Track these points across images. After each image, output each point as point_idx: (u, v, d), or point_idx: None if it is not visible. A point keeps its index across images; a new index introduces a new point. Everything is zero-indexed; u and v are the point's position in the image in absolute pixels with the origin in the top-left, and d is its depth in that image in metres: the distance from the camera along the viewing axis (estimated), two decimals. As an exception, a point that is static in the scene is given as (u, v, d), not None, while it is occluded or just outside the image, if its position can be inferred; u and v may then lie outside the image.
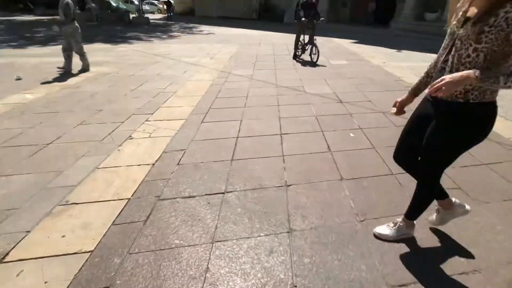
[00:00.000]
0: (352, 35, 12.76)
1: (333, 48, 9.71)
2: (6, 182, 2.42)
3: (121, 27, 16.06)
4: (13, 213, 2.07)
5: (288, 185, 2.39)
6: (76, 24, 6.00)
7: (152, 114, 3.86)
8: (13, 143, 3.09)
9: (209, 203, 2.18)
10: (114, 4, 25.94)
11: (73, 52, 6.16)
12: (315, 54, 7.12)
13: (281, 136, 3.26)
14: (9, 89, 4.91)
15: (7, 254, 1.75)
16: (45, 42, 10.48)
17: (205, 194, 2.27)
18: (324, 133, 3.33)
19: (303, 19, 7.01)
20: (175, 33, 13.95)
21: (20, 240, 1.85)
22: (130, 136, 3.22)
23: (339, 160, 2.78)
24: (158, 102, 4.30)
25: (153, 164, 2.68)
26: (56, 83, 5.31)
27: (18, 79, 5.53)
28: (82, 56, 6.15)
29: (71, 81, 5.50)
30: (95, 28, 15.89)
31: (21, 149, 2.95)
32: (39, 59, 7.40)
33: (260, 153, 2.88)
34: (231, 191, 2.31)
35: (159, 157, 2.79)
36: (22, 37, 11.84)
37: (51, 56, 7.77)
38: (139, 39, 11.75)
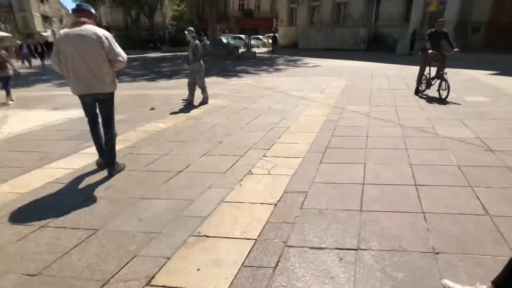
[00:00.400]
0: (489, 65, 11.18)
1: (465, 82, 8.64)
2: (149, 204, 2.83)
3: (231, 61, 18.06)
4: (156, 237, 2.37)
5: (437, 253, 2.07)
6: (202, 62, 6.99)
7: (268, 149, 4.04)
8: (151, 168, 3.65)
9: (341, 259, 2.05)
10: (224, 41, 29.68)
11: (196, 86, 7.16)
12: (445, 89, 6.43)
13: (416, 188, 2.93)
14: (147, 117, 5.95)
15: (153, 277, 1.98)
16: (170, 75, 12.57)
17: (336, 248, 2.16)
18: (475, 190, 2.85)
19: (430, 51, 6.51)
20: (281, 66, 14.86)
21: (163, 266, 2.07)
22: (250, 171, 3.42)
23: (503, 228, 2.30)
24: (273, 137, 4.50)
25: (275, 204, 2.74)
26: (182, 114, 6.20)
27: (152, 109, 6.69)
28: (204, 90, 7.07)
29: (194, 112, 6.33)
30: (209, 62, 18.27)
31: (158, 174, 3.45)
32: (167, 91, 8.85)
33: (394, 206, 2.63)
34: (366, 249, 2.13)
35: (280, 197, 2.84)
36: (153, 71, 14.50)
37: (175, 89, 9.21)
38: (247, 72, 12.94)
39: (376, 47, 21.49)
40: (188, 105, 6.97)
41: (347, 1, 25.49)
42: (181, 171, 3.53)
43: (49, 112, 6.74)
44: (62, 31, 3.52)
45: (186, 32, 6.91)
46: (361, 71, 11.83)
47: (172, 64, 17.91)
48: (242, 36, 37.22)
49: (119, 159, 3.75)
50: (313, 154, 3.82)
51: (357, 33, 23.32)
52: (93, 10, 3.34)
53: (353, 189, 2.94)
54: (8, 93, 8.01)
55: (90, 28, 3.14)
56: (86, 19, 3.19)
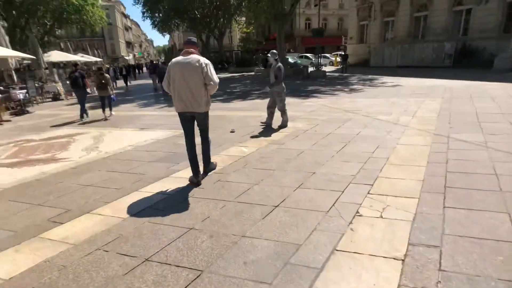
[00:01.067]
0: None
1: None
2: (251, 245, 2.63)
3: (301, 81, 17.94)
4: (267, 288, 2.13)
5: None
6: (283, 85, 6.89)
7: (371, 185, 3.62)
8: (245, 199, 3.49)
9: None
10: (291, 60, 29.93)
11: (275, 109, 7.06)
12: None
13: None
14: (228, 140, 5.97)
15: None
16: (243, 96, 12.85)
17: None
18: None
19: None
20: (357, 86, 14.22)
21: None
22: (357, 212, 3.04)
23: None
24: (373, 170, 4.06)
25: (402, 260, 2.31)
26: (263, 138, 6.09)
27: (232, 131, 6.73)
28: (284, 113, 6.93)
29: (275, 136, 6.18)
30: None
31: (253, 208, 3.27)
32: (243, 113, 8.94)
33: None
34: None
35: (406, 252, 2.40)
36: (225, 92, 15.02)
37: (251, 110, 9.27)
38: (321, 93, 12.61)
39: (466, 63, 19.44)
40: (268, 128, 6.87)
41: (428, 13, 23.89)
42: (277, 205, 3.30)
43: (137, 132, 7.24)
44: (174, 59, 3.85)
45: (269, 54, 6.92)
46: (454, 91, 10.63)
47: (241, 85, 18.45)
48: (309, 55, 37.31)
49: (208, 185, 3.85)
50: (430, 195, 3.29)
51: (441, 48, 21.49)
52: (197, 42, 4.01)
53: (505, 249, 2.36)
54: (110, 109, 9.61)
55: (195, 57, 3.73)
56: (193, 50, 3.81)
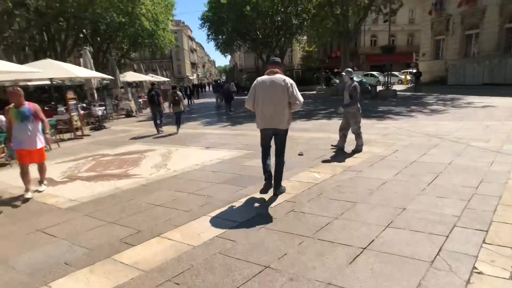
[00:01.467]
0: None
1: None
2: (341, 297, 2.24)
3: (369, 101, 17.05)
4: None
5: None
6: (359, 105, 6.43)
7: (486, 231, 2.97)
8: (325, 236, 3.11)
9: None
10: (356, 79, 28.92)
11: (348, 132, 6.60)
12: None
13: None
14: (298, 164, 5.65)
15: None
16: (306, 116, 12.51)
17: None
18: None
19: None
20: (437, 107, 12.98)
21: None
22: (475, 267, 2.46)
23: None
24: (483, 211, 3.38)
25: None
26: (336, 163, 5.66)
27: (301, 154, 6.40)
28: (359, 136, 6.43)
29: (349, 162, 5.71)
30: (341, 101, 17.77)
31: (337, 249, 2.87)
32: (309, 134, 8.58)
33: None
34: None
35: None
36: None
37: (317, 131, 8.88)
38: (395, 113, 11.72)
39: None
40: (340, 153, 6.42)
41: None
42: (365, 247, 2.86)
43: (203, 151, 7.32)
44: (259, 78, 4.12)
45: (343, 73, 6.57)
46: None
47: (304, 104, 18.14)
48: (375, 73, 35.81)
49: (280, 215, 3.61)
50: None
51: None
52: (280, 62, 4.28)
53: None
54: (178, 125, 10.34)
55: (280, 76, 3.98)
56: (277, 70, 4.06)
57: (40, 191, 4.92)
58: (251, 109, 4.19)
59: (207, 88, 52.92)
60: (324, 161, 5.84)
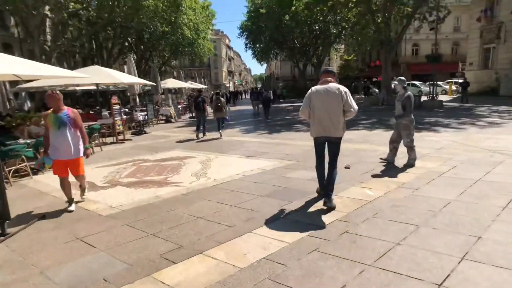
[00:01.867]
0: None
1: None
2: None
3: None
4: None
5: None
6: (412, 117, 5.88)
7: None
8: (388, 265, 2.67)
9: None
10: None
11: (399, 144, 6.05)
12: None
13: None
14: (346, 179, 5.18)
15: None
16: (348, 126, 11.88)
17: None
18: None
19: None
20: (492, 119, 11.86)
21: None
22: None
23: None
24: None
25: None
26: (388, 179, 5.15)
27: (347, 167, 5.93)
28: (411, 149, 5.86)
29: (402, 177, 5.17)
30: (381, 111, 16.95)
31: (405, 283, 2.43)
32: (353, 145, 8.05)
33: None
34: None
35: None
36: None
37: (361, 142, 8.32)
38: (444, 125, 10.83)
39: None
40: (390, 167, 5.88)
41: None
42: (440, 284, 2.39)
43: (242, 160, 7.06)
44: (313, 87, 4.16)
45: (395, 82, 6.06)
46: None
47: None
48: (417, 82, 34.10)
49: (334, 236, 3.26)
50: None
51: None
52: (334, 71, 4.35)
53: None
54: (219, 129, 10.67)
55: (333, 85, 4.01)
56: (331, 78, 4.10)
57: (70, 211, 4.34)
58: (306, 118, 4.21)
59: (243, 95, 53.35)
60: (375, 176, 5.35)
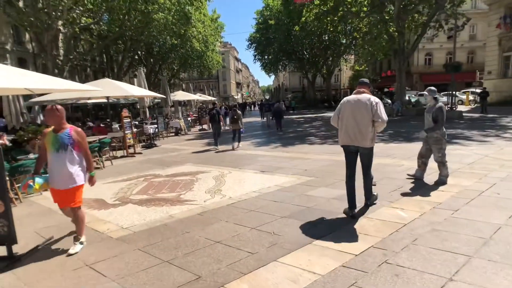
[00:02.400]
0: None
1: None
2: None
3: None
4: None
5: None
6: (444, 130, 5.52)
7: None
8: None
9: None
10: (413, 100, 27.08)
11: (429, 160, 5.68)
12: None
13: None
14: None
15: None
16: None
17: None
18: None
19: None
20: (518, 131, 11.34)
21: None
22: None
23: None
24: None
25: None
26: (420, 198, 4.76)
27: (373, 185, 5.57)
28: (443, 165, 5.47)
29: (436, 196, 4.78)
30: (397, 123, 16.53)
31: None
32: (376, 160, 7.64)
33: None
34: None
35: None
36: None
37: (384, 156, 7.93)
38: (468, 138, 10.36)
39: None
40: (420, 184, 5.50)
41: None
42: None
43: (258, 175, 6.75)
44: (345, 98, 4.22)
45: (425, 92, 5.72)
46: None
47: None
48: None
49: (371, 267, 2.91)
50: None
51: None
52: (369, 82, 4.36)
53: None
54: (238, 141, 10.94)
55: (365, 95, 4.06)
56: (364, 89, 4.17)
57: (71, 254, 3.49)
58: (335, 126, 4.32)
59: (252, 107, 53.34)
60: (405, 195, 4.97)
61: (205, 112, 20.15)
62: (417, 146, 8.82)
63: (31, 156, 6.70)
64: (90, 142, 9.50)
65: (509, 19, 25.76)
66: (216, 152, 10.40)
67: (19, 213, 5.01)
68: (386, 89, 38.92)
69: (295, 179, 6.21)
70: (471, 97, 30.11)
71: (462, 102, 31.23)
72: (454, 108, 18.43)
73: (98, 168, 8.45)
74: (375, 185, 5.48)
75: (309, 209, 4.56)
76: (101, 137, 10.46)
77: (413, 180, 5.72)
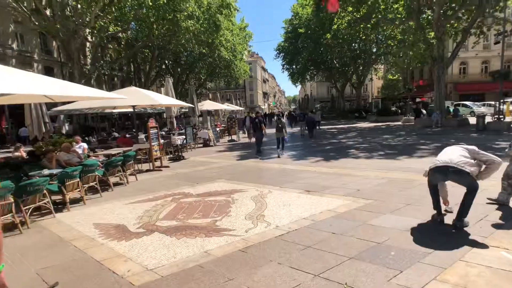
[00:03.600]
0: None
1: None
2: None
3: (477, 134, 14.09)
4: None
5: None
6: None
7: None
8: None
9: None
10: (451, 109, 25.23)
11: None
12: None
13: None
14: (458, 232, 3.75)
15: None
16: (407, 152, 10.27)
17: None
18: None
19: None
20: None
21: None
22: None
23: None
24: None
25: None
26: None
27: (449, 211, 4.46)
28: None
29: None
30: (439, 135, 15.11)
31: None
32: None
33: None
34: None
35: None
36: (379, 144, 12.70)
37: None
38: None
39: None
40: (506, 210, 4.36)
41: None
42: None
43: (304, 197, 5.73)
44: None
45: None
46: None
47: (395, 136, 15.80)
48: (468, 103, 31.55)
49: None
50: None
51: None
52: None
53: None
54: (282, 148, 11.39)
55: None
56: None
57: None
58: None
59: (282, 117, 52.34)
60: (496, 226, 3.86)
61: (235, 122, 19.42)
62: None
63: (46, 172, 6.04)
64: (113, 155, 9.01)
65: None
66: (260, 158, 10.71)
67: (24, 242, 4.29)
68: (418, 99, 36.94)
69: (349, 202, 5.19)
70: (511, 107, 27.74)
71: (502, 112, 28.88)
72: (501, 119, 16.67)
73: (121, 184, 7.79)
74: (451, 211, 4.41)
75: (381, 246, 3.54)
76: (126, 149, 9.89)
77: (497, 205, 4.57)
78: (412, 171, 7.26)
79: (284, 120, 14.59)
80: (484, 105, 32.33)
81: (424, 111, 27.21)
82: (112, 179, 7.56)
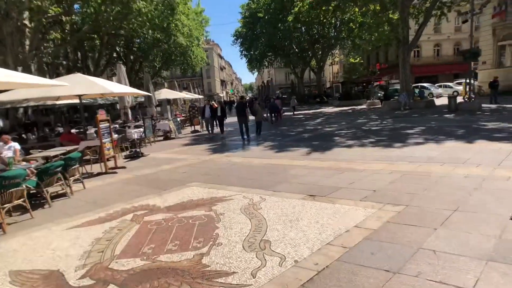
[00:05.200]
0: None
1: None
2: None
3: (452, 116, 13.77)
4: None
5: None
6: None
7: None
8: None
9: None
10: (417, 91, 25.38)
11: None
12: None
13: None
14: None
15: None
16: (399, 139, 9.38)
17: None
18: None
19: None
20: None
21: None
22: None
23: None
24: None
25: None
26: None
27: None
28: None
29: None
30: (413, 116, 14.66)
31: None
32: (446, 168, 5.50)
33: None
34: None
35: None
36: (363, 131, 11.69)
37: (443, 163, 5.74)
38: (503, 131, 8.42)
39: None
40: None
41: None
42: None
43: (311, 205, 4.32)
44: None
45: None
46: None
47: (370, 120, 15.09)
48: (426, 84, 32.42)
49: None
50: None
51: None
52: None
53: None
54: (259, 134, 12.42)
55: None
56: None
57: None
58: None
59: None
60: None
61: (197, 111, 17.53)
62: (487, 146, 6.76)
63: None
64: (53, 157, 6.94)
65: (505, 7, 24.53)
66: (221, 167, 7.91)
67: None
68: (376, 83, 37.33)
69: (376, 211, 3.90)
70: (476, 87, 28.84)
71: (458, 93, 29.97)
72: (472, 99, 16.64)
73: (63, 195, 5.90)
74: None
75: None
76: (70, 148, 7.81)
77: None
78: (417, 161, 6.23)
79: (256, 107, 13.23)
80: (441, 86, 33.50)
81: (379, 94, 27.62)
82: (52, 189, 5.66)
